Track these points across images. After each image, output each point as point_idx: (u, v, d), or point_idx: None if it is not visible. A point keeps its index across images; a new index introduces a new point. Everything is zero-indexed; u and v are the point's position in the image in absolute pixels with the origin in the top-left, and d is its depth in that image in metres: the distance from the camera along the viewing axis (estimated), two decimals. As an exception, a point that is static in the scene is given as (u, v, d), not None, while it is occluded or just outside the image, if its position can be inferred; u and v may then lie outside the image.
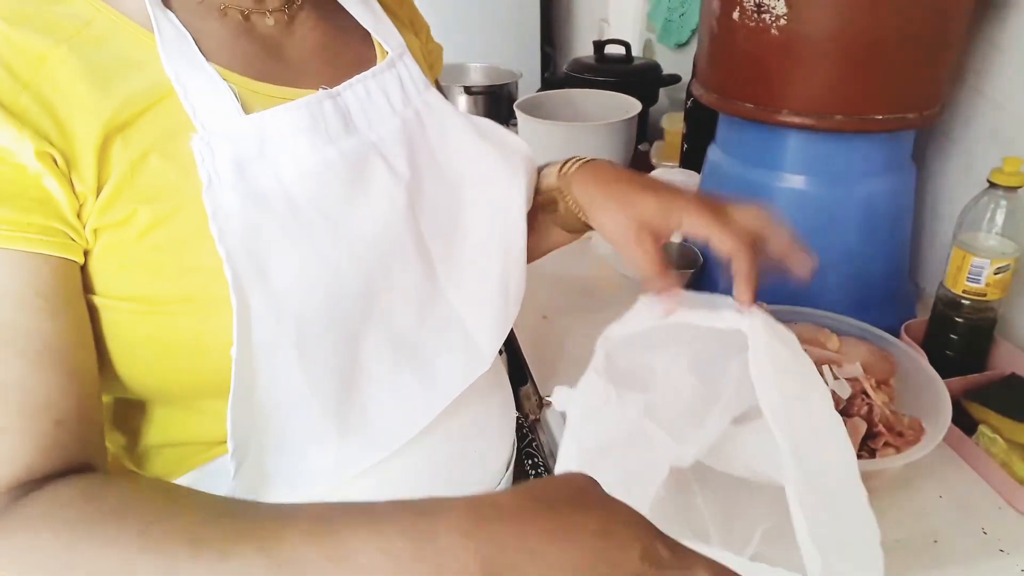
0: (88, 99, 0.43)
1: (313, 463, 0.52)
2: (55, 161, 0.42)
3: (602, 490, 0.35)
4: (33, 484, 0.41)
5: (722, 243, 0.53)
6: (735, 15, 0.80)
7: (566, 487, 0.34)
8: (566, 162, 0.63)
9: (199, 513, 0.37)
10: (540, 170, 0.65)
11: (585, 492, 0.34)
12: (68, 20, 0.45)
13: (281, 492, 0.52)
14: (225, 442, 0.48)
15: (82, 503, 0.39)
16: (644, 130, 1.54)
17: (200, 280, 0.45)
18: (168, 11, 0.48)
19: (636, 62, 1.57)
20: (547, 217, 0.67)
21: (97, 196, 0.43)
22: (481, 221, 0.59)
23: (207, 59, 0.48)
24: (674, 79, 1.54)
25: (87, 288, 0.45)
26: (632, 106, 1.36)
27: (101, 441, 0.47)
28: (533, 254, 0.69)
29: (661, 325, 0.53)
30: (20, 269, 0.41)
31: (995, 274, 0.76)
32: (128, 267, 0.45)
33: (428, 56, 0.67)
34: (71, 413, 0.43)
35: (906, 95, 0.79)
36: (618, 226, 0.56)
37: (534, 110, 1.34)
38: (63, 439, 0.43)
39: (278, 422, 0.49)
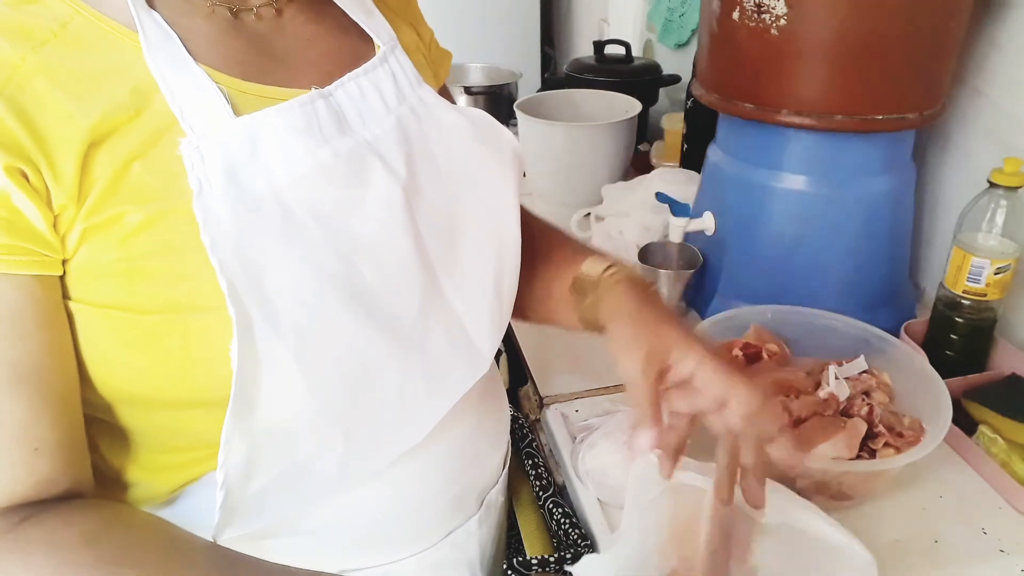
0: (67, 109, 0.41)
1: (318, 476, 0.50)
2: (26, 176, 0.40)
3: None
4: (12, 511, 0.41)
5: (739, 406, 0.48)
6: (735, 15, 0.80)
7: None
8: (611, 266, 0.60)
9: (200, 570, 0.36)
10: (585, 254, 0.63)
11: None
12: (44, 22, 0.43)
13: (282, 512, 0.51)
14: (210, 452, 0.46)
15: (82, 547, 0.39)
16: (644, 130, 1.54)
17: (186, 289, 0.44)
18: (153, 11, 0.46)
19: (636, 62, 1.57)
20: (571, 300, 0.62)
21: (81, 204, 0.42)
22: (476, 221, 0.58)
23: (195, 60, 0.46)
24: (674, 79, 1.54)
25: (64, 294, 0.44)
26: (632, 106, 1.36)
27: (85, 462, 0.46)
28: (539, 316, 0.68)
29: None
30: None
31: (995, 274, 0.76)
32: (111, 274, 0.43)
33: (431, 63, 0.66)
34: (48, 438, 0.42)
35: (906, 95, 0.79)
36: (632, 348, 0.51)
37: (534, 110, 1.34)
38: (42, 466, 0.42)
39: (282, 437, 0.48)
